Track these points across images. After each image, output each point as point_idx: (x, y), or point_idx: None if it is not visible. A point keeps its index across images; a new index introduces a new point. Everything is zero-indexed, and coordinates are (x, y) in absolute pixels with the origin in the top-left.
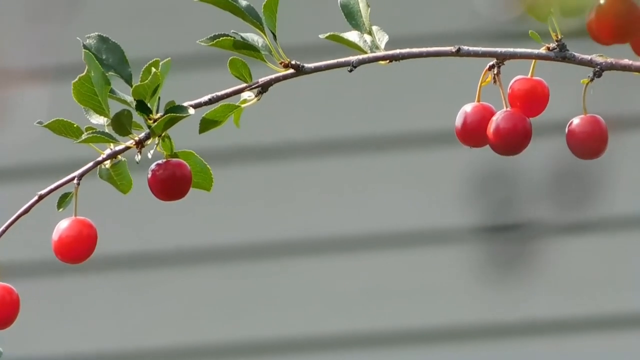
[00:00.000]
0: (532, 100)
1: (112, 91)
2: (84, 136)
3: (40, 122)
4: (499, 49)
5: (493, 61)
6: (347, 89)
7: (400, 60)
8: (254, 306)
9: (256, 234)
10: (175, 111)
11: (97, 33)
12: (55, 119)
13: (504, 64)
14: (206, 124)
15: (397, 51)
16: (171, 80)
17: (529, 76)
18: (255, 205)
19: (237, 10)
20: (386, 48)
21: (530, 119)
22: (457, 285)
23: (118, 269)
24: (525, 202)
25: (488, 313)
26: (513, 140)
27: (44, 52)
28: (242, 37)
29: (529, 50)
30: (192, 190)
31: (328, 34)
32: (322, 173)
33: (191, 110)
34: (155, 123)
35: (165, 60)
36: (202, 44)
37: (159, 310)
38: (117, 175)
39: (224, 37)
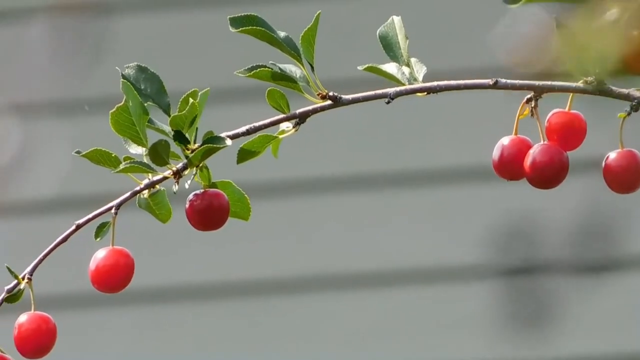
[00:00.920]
0: (569, 133)
1: (150, 121)
2: (121, 166)
3: (78, 152)
4: (536, 82)
5: (531, 94)
6: (378, 123)
7: (438, 93)
8: (271, 341)
9: (276, 269)
10: (212, 142)
11: (136, 63)
12: (93, 148)
13: (541, 97)
14: (244, 155)
15: (435, 83)
16: (209, 112)
17: (566, 109)
18: (274, 240)
19: (275, 41)
20: (423, 81)
21: (568, 152)
22: (477, 323)
23: (136, 303)
24: (548, 243)
25: (506, 352)
26: (550, 174)
27: (82, 85)
28: (280, 68)
29: (566, 84)
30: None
31: (366, 65)
32: (343, 208)
33: (228, 141)
34: (193, 153)
35: (203, 91)
36: (240, 75)
37: (176, 345)
38: (155, 205)
39: (262, 68)
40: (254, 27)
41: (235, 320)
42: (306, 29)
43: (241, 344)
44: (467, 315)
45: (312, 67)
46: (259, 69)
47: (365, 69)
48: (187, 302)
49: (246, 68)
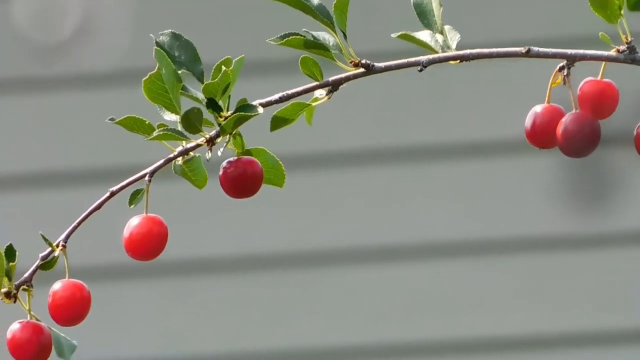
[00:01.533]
0: (601, 102)
1: (184, 88)
2: (155, 133)
3: (112, 119)
4: (569, 51)
5: (563, 63)
6: (409, 95)
7: (470, 61)
8: (296, 314)
9: (301, 242)
10: (245, 110)
11: (170, 30)
12: (127, 115)
13: (574, 66)
14: (277, 122)
15: (468, 51)
16: (242, 83)
17: (599, 78)
18: (301, 213)
19: (308, 9)
20: (456, 49)
21: (600, 121)
22: (501, 296)
23: (162, 275)
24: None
25: (529, 325)
26: (582, 142)
27: (117, 55)
28: (312, 35)
29: (598, 52)
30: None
31: (399, 33)
32: (370, 181)
33: (260, 109)
34: (226, 121)
35: (237, 59)
36: (272, 42)
37: (201, 317)
38: (191, 171)
39: (294, 36)
40: None
41: (263, 292)
42: None
43: (268, 316)
44: (491, 289)
45: (345, 35)
46: (291, 37)
47: (398, 37)
48: (213, 274)
49: (279, 36)
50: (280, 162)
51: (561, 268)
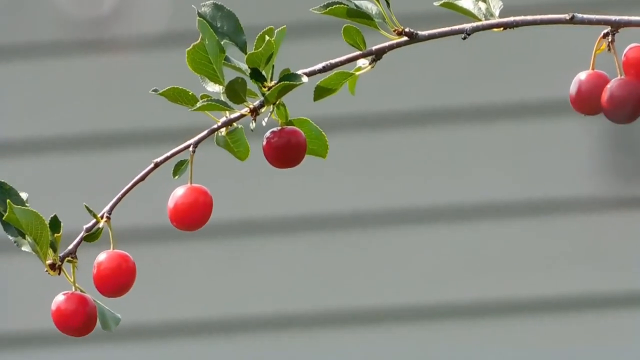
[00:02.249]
0: None
1: (227, 59)
2: (198, 104)
3: (155, 90)
4: (613, 17)
5: (607, 29)
6: (455, 59)
7: (515, 28)
8: (351, 275)
9: (353, 204)
10: (289, 79)
11: (212, 1)
12: (170, 86)
13: (618, 32)
14: (321, 92)
15: (512, 19)
16: (285, 49)
17: None
18: (351, 175)
19: None
20: (500, 17)
21: None
22: (553, 257)
23: (216, 237)
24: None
25: (582, 285)
26: (627, 108)
27: (158, 20)
28: (355, 4)
29: None
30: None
31: (442, 1)
32: (417, 144)
33: (304, 79)
34: (270, 91)
35: (280, 29)
36: (315, 12)
37: (256, 278)
38: (233, 142)
39: (338, 5)
40: None
41: (312, 254)
42: None
43: (318, 278)
44: (540, 249)
45: (388, 3)
46: (334, 6)
47: (441, 5)
48: (263, 236)
49: (322, 5)
50: (324, 133)
51: (610, 229)
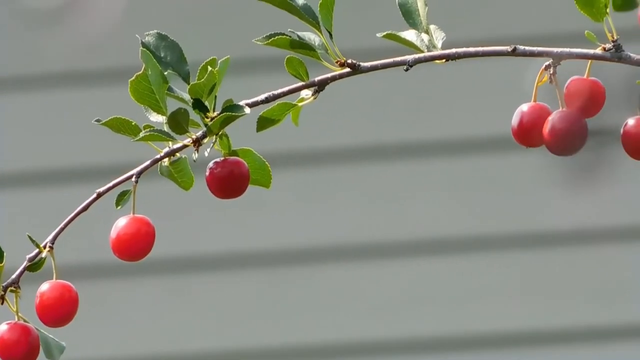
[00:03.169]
0: (588, 100)
1: (170, 89)
2: (141, 134)
3: (98, 120)
4: (555, 49)
5: (549, 61)
6: (396, 93)
7: (456, 60)
8: (293, 311)
9: (295, 240)
10: (231, 110)
11: (156, 31)
12: (113, 117)
13: (560, 64)
14: (264, 122)
15: (454, 50)
16: (228, 82)
17: (585, 76)
18: (294, 211)
19: (293, 9)
20: (442, 49)
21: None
22: (496, 291)
23: (158, 273)
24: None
25: (527, 320)
26: (569, 141)
27: (102, 53)
28: (298, 35)
29: (584, 51)
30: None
31: (385, 32)
32: (363, 179)
33: (247, 110)
34: (212, 121)
35: (223, 59)
36: (258, 43)
37: (197, 315)
38: (177, 172)
39: (280, 36)
40: None
41: (256, 290)
42: None
43: (263, 315)
44: (485, 284)
45: (331, 35)
46: (277, 37)
47: (384, 37)
48: (207, 272)
49: (264, 36)
50: (267, 163)
51: (560, 263)
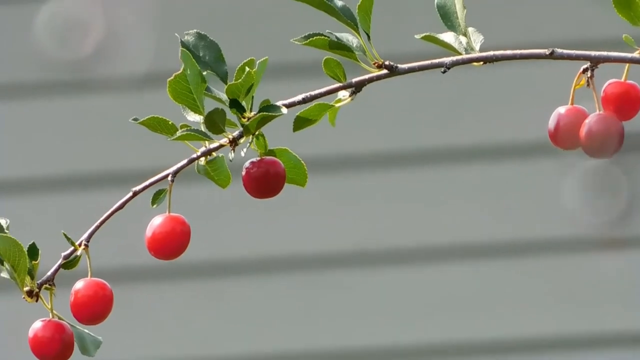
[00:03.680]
0: (625, 103)
1: (208, 89)
2: (178, 133)
3: (135, 119)
4: (592, 53)
5: (587, 64)
6: (427, 100)
7: (494, 62)
8: (323, 316)
9: (326, 244)
10: (268, 110)
11: (195, 30)
12: (150, 116)
13: (597, 67)
14: (300, 122)
15: (492, 53)
16: (265, 86)
17: (622, 80)
18: (326, 215)
19: (331, 10)
20: (480, 51)
21: (623, 122)
22: (528, 297)
23: (190, 276)
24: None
25: (559, 326)
26: (605, 143)
27: (141, 59)
28: (336, 36)
29: (622, 54)
30: (259, 200)
31: (423, 34)
32: (394, 184)
33: (284, 110)
34: (249, 121)
35: (261, 60)
36: (297, 42)
37: (228, 318)
38: (214, 171)
39: (318, 37)
40: None
41: (287, 295)
42: None
43: (293, 319)
44: (517, 290)
45: (369, 37)
46: (315, 37)
47: (422, 38)
48: (238, 275)
49: (303, 36)
50: (303, 162)
51: (587, 270)
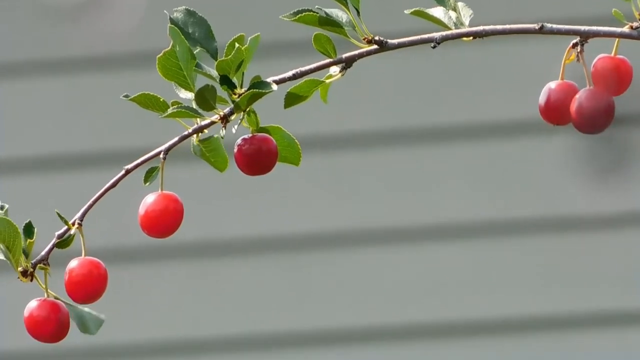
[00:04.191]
0: (615, 78)
1: (197, 65)
2: (169, 110)
3: (126, 95)
4: (582, 27)
5: (576, 39)
6: (422, 75)
7: (484, 37)
8: (314, 296)
9: (317, 224)
10: (258, 87)
11: (184, 7)
12: (141, 92)
13: (587, 42)
14: (291, 99)
15: (481, 28)
16: (255, 64)
17: (612, 54)
18: (316, 196)
19: None
20: (470, 26)
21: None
22: (522, 277)
23: (182, 257)
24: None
25: (548, 305)
26: (596, 119)
27: (130, 36)
28: (326, 12)
29: (612, 29)
30: (251, 180)
31: (413, 9)
32: (384, 163)
33: (274, 86)
34: (240, 98)
35: (253, 36)
36: (286, 19)
37: (219, 299)
38: (209, 152)
39: (308, 13)
40: None
41: (278, 275)
42: None
43: (284, 300)
44: (509, 269)
45: (358, 12)
46: (304, 13)
47: (412, 13)
48: (229, 256)
49: (292, 12)
50: (296, 140)
51: (581, 248)
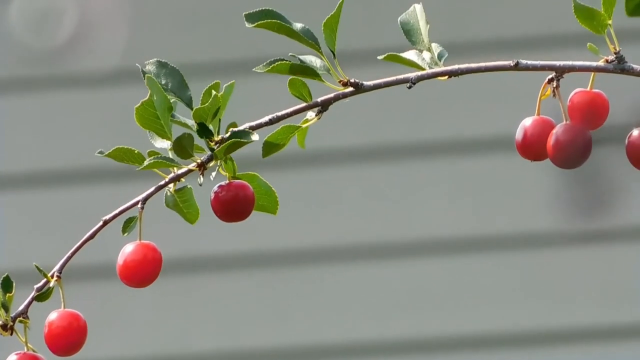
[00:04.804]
0: (592, 112)
1: (172, 115)
2: (146, 162)
3: (101, 152)
4: (557, 63)
5: (552, 74)
6: (400, 94)
7: (459, 76)
8: (296, 312)
9: (299, 240)
10: (238, 136)
11: (155, 59)
12: (116, 147)
13: (562, 77)
14: (269, 148)
15: (456, 67)
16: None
17: (588, 88)
18: (298, 211)
19: (292, 33)
20: (445, 64)
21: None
22: (502, 292)
23: (162, 273)
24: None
25: (532, 320)
26: (573, 153)
27: (98, 58)
28: (300, 59)
29: (587, 63)
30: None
31: (386, 54)
32: (367, 179)
33: (255, 136)
34: (218, 147)
35: (228, 84)
36: (259, 71)
37: (200, 315)
38: (183, 202)
39: (281, 62)
40: (270, 21)
41: (260, 291)
42: (329, 16)
43: (266, 316)
44: (491, 284)
45: (334, 54)
46: (277, 63)
47: (385, 58)
48: (211, 273)
49: (265, 63)
50: (273, 189)
51: (562, 264)
